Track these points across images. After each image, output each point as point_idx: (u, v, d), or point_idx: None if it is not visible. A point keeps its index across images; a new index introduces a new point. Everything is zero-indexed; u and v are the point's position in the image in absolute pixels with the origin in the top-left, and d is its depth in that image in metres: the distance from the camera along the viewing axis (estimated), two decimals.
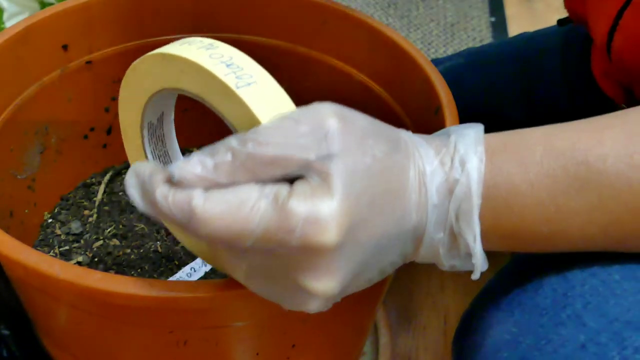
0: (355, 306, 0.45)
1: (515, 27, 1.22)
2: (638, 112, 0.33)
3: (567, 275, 0.36)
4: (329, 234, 0.28)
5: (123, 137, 0.41)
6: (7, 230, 0.37)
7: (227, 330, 0.40)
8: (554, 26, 0.67)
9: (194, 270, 0.54)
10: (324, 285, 0.30)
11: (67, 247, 0.56)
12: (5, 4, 0.70)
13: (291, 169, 0.29)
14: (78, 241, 0.57)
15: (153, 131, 0.41)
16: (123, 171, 0.64)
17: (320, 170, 0.28)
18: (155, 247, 0.56)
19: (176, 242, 0.57)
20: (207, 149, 0.29)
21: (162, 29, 0.60)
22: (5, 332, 0.55)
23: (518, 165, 0.32)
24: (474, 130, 0.34)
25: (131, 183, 0.30)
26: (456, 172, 0.32)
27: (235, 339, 0.41)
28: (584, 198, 0.32)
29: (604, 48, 0.45)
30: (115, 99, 0.61)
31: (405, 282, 0.74)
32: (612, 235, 0.33)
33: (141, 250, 0.56)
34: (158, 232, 0.58)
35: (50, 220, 0.59)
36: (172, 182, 0.29)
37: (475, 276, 0.34)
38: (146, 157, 0.41)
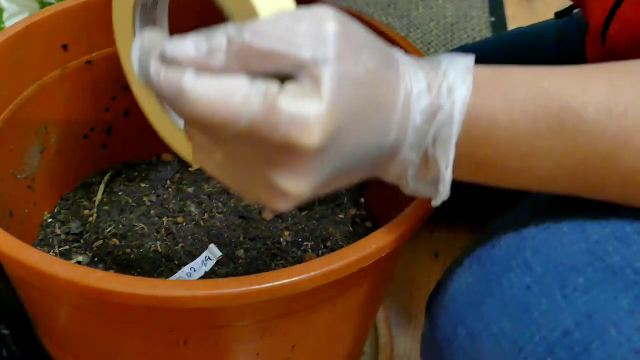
0: (355, 307, 0.45)
1: (515, 27, 1.22)
2: (623, 67, 0.34)
3: (523, 231, 0.38)
4: (313, 137, 0.29)
5: (114, 15, 0.40)
6: (7, 230, 0.37)
7: (228, 330, 0.40)
8: (550, 20, 0.67)
9: (194, 270, 0.54)
10: (297, 186, 0.31)
11: (67, 247, 0.56)
12: (5, 4, 0.70)
13: (284, 67, 0.29)
14: (78, 241, 0.57)
15: (145, 12, 0.40)
16: (123, 171, 0.64)
17: (313, 73, 0.28)
18: (155, 247, 0.56)
19: (176, 242, 0.57)
20: (204, 32, 0.29)
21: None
22: (5, 332, 0.55)
23: (503, 100, 0.33)
24: (466, 60, 0.34)
25: (135, 52, 0.30)
26: (442, 99, 0.33)
27: (235, 339, 0.41)
28: (559, 141, 0.33)
29: (599, 34, 0.46)
30: (115, 99, 0.61)
31: (405, 282, 0.74)
32: (579, 180, 0.34)
33: (141, 250, 0.56)
34: (158, 232, 0.58)
35: (50, 220, 0.59)
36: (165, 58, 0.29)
37: (436, 203, 0.35)
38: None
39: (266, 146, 0.29)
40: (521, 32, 0.69)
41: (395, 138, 0.33)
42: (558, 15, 0.62)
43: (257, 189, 0.32)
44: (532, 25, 0.70)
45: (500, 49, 0.69)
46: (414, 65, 0.33)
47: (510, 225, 0.40)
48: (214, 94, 0.28)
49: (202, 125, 0.29)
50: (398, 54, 0.33)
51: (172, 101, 0.29)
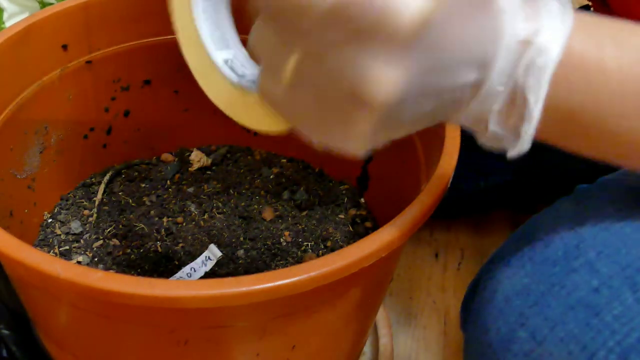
0: (355, 307, 0.45)
1: None
2: None
3: (578, 229, 0.36)
4: (413, 10, 0.25)
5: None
6: (7, 229, 0.37)
7: (228, 330, 0.40)
8: None
9: (194, 270, 0.54)
10: (392, 76, 0.26)
11: (67, 247, 0.56)
12: (5, 4, 0.70)
13: None
14: (78, 241, 0.57)
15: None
16: (123, 171, 0.64)
17: None
18: (155, 247, 0.56)
19: (176, 242, 0.57)
20: None
21: (162, 28, 0.60)
22: (5, 332, 0.55)
23: (612, 43, 0.29)
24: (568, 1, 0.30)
25: None
26: (540, 21, 0.28)
27: (235, 339, 0.41)
28: None
29: None
30: (115, 99, 0.61)
31: (405, 282, 0.74)
32: None
33: (141, 250, 0.56)
34: (158, 232, 0.58)
35: (50, 220, 0.59)
36: None
37: (512, 152, 0.31)
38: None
39: (355, 26, 0.25)
40: None
41: (487, 55, 0.28)
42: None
43: (333, 112, 0.28)
44: None
45: None
46: None
47: (558, 223, 0.38)
48: None
49: (281, 12, 0.26)
50: None
51: None
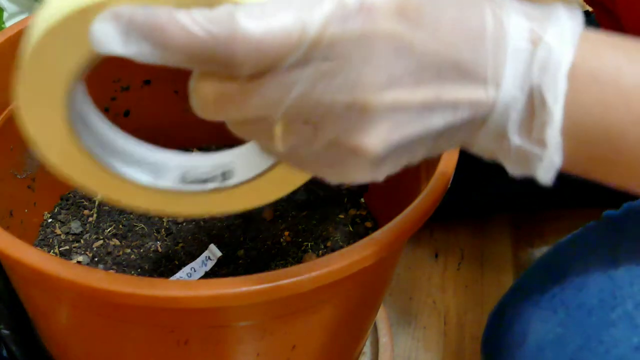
0: (355, 307, 0.45)
1: None
2: None
3: (612, 275, 0.34)
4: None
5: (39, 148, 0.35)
6: (7, 229, 0.37)
7: (228, 330, 0.40)
8: None
9: (194, 270, 0.54)
10: (376, 143, 0.27)
11: (67, 247, 0.56)
12: (5, 4, 0.70)
13: None
14: (78, 241, 0.57)
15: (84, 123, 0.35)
16: None
17: None
18: (155, 247, 0.56)
19: (176, 242, 0.57)
20: None
21: None
22: (5, 332, 0.55)
23: (626, 57, 0.28)
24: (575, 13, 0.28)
25: (109, 24, 0.25)
26: (544, 25, 0.27)
27: (235, 339, 0.41)
28: None
29: None
30: (115, 99, 0.61)
31: (405, 282, 0.74)
32: None
33: (141, 250, 0.56)
34: (158, 232, 0.58)
35: (50, 220, 0.59)
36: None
37: (543, 173, 0.29)
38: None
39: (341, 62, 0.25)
40: None
41: (491, 64, 0.27)
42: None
43: (335, 161, 0.28)
44: None
45: None
46: None
47: (589, 262, 0.36)
48: (269, 19, 0.24)
49: (262, 63, 0.25)
50: None
51: (220, 48, 0.24)
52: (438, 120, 0.27)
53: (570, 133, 0.28)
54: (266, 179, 0.38)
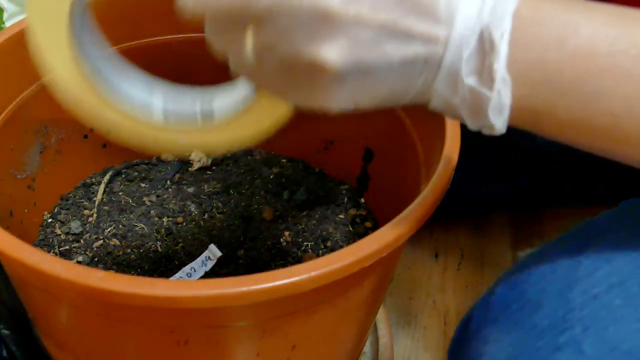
0: (355, 307, 0.45)
1: None
2: None
3: (568, 296, 0.35)
4: None
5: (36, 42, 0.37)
6: (7, 229, 0.37)
7: (228, 330, 0.40)
8: None
9: (194, 270, 0.54)
10: (332, 51, 0.29)
11: (67, 247, 0.56)
12: (5, 4, 0.70)
13: None
14: (78, 241, 0.57)
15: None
16: (123, 171, 0.64)
17: None
18: (155, 247, 0.56)
19: (176, 242, 0.57)
20: None
21: (162, 29, 0.60)
22: (5, 332, 0.55)
23: (561, 5, 0.30)
24: None
25: None
26: None
27: (235, 339, 0.41)
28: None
29: None
30: None
31: (405, 282, 0.74)
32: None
33: (141, 250, 0.56)
34: (158, 232, 0.58)
35: (50, 220, 0.59)
36: None
37: (494, 118, 0.31)
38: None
39: (294, 16, 0.28)
40: None
41: (444, 5, 0.29)
42: None
43: (299, 77, 0.30)
44: None
45: None
46: None
47: (552, 279, 0.36)
48: None
49: (220, 16, 0.30)
50: None
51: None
52: (393, 50, 0.30)
53: (515, 72, 0.30)
54: (246, 116, 0.41)
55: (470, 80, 0.30)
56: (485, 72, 0.30)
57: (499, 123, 0.31)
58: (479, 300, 0.42)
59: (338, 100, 0.31)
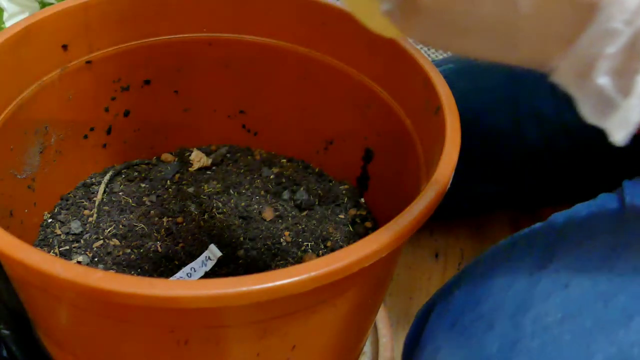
0: (355, 307, 0.45)
1: None
2: None
3: (520, 321, 0.33)
4: None
5: None
6: (7, 229, 0.37)
7: (228, 330, 0.40)
8: None
9: (194, 270, 0.54)
10: None
11: (67, 247, 0.56)
12: (5, 4, 0.70)
13: None
14: (78, 241, 0.57)
15: None
16: (123, 171, 0.64)
17: None
18: (155, 247, 0.56)
19: (176, 242, 0.57)
20: None
21: (162, 29, 0.60)
22: (5, 332, 0.55)
23: None
24: None
25: None
26: None
27: (235, 339, 0.41)
28: None
29: None
30: (115, 99, 0.61)
31: (405, 282, 0.74)
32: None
33: (141, 250, 0.56)
34: (158, 232, 0.57)
35: (50, 220, 0.59)
36: None
37: (614, 125, 0.25)
38: None
39: None
40: None
41: None
42: None
43: None
44: None
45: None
46: None
47: (506, 297, 0.35)
48: None
49: None
50: None
51: None
52: None
53: None
54: None
55: (603, 79, 0.25)
56: (624, 78, 0.25)
57: (618, 135, 0.26)
58: (442, 291, 0.41)
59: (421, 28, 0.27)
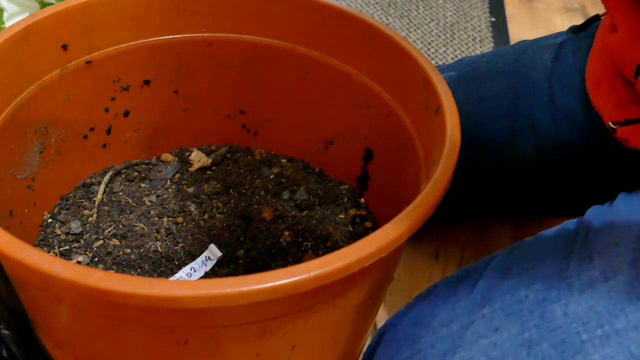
0: (355, 307, 0.45)
1: (516, 27, 1.22)
2: None
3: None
4: None
5: None
6: (7, 229, 0.37)
7: (228, 330, 0.40)
8: (552, 35, 0.66)
9: (194, 270, 0.54)
10: None
11: (67, 247, 0.56)
12: (5, 4, 0.70)
13: None
14: (78, 241, 0.57)
15: None
16: (123, 171, 0.64)
17: None
18: (155, 247, 0.56)
19: (176, 242, 0.57)
20: None
21: (162, 29, 0.60)
22: (5, 332, 0.55)
23: None
24: None
25: None
26: None
27: (235, 339, 0.41)
28: None
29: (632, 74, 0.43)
30: (115, 99, 0.61)
31: (405, 282, 0.74)
32: None
33: (141, 250, 0.56)
34: (158, 232, 0.57)
35: (50, 220, 0.59)
36: None
37: None
38: None
39: None
40: (521, 48, 0.68)
41: None
42: (575, 29, 0.61)
43: None
44: (534, 40, 0.69)
45: (496, 66, 0.67)
46: None
47: (441, 337, 0.36)
48: None
49: None
50: None
51: None
52: None
53: None
54: None
55: None
56: None
57: None
58: (395, 316, 0.42)
59: None
